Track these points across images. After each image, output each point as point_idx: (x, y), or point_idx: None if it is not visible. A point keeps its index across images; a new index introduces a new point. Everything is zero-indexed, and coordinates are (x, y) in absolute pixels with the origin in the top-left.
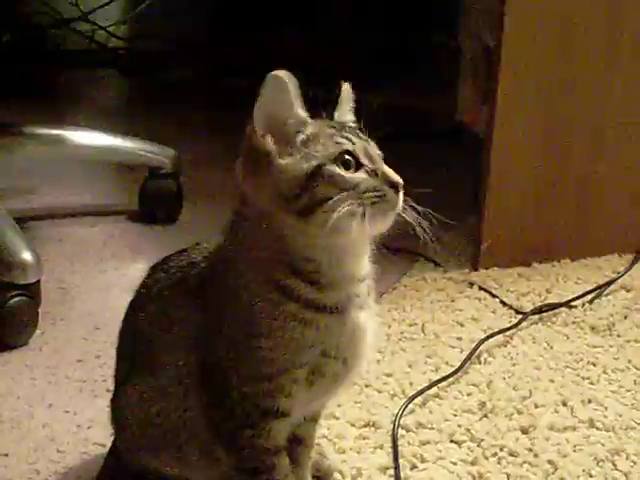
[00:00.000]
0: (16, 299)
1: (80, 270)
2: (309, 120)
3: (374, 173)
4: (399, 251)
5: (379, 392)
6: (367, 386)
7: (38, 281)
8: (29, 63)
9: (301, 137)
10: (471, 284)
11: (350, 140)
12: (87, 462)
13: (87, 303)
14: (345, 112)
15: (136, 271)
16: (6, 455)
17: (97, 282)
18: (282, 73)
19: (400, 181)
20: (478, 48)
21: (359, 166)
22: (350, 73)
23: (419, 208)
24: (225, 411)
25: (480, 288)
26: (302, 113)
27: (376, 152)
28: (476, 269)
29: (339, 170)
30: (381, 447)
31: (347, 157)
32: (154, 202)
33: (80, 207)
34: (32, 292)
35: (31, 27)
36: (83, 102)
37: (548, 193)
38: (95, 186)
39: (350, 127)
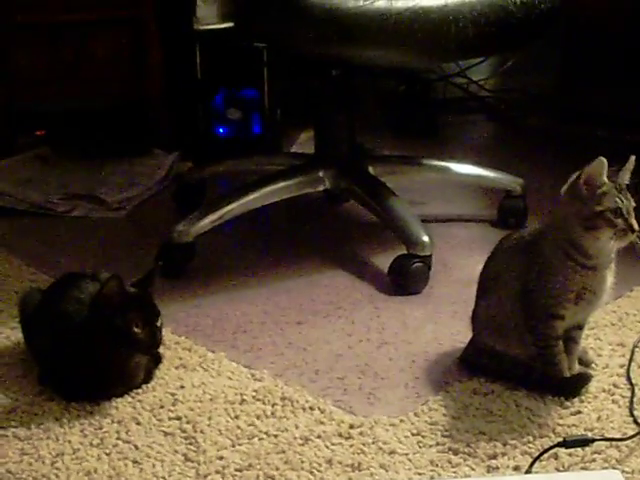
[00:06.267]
0: (417, 265)
1: (454, 255)
2: (606, 181)
3: (626, 220)
4: None
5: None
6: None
7: (431, 254)
8: (419, 110)
9: (598, 191)
10: None
11: (622, 200)
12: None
13: (458, 274)
14: (625, 175)
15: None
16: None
17: (465, 262)
18: (602, 159)
19: (636, 228)
20: None
21: (620, 215)
22: None
23: None
24: (531, 314)
25: None
26: (604, 180)
27: (631, 205)
28: None
29: (610, 216)
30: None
31: (617, 209)
32: (508, 214)
33: (456, 215)
34: (427, 261)
35: (420, 80)
36: (458, 141)
37: None
38: (467, 202)
39: (624, 189)
